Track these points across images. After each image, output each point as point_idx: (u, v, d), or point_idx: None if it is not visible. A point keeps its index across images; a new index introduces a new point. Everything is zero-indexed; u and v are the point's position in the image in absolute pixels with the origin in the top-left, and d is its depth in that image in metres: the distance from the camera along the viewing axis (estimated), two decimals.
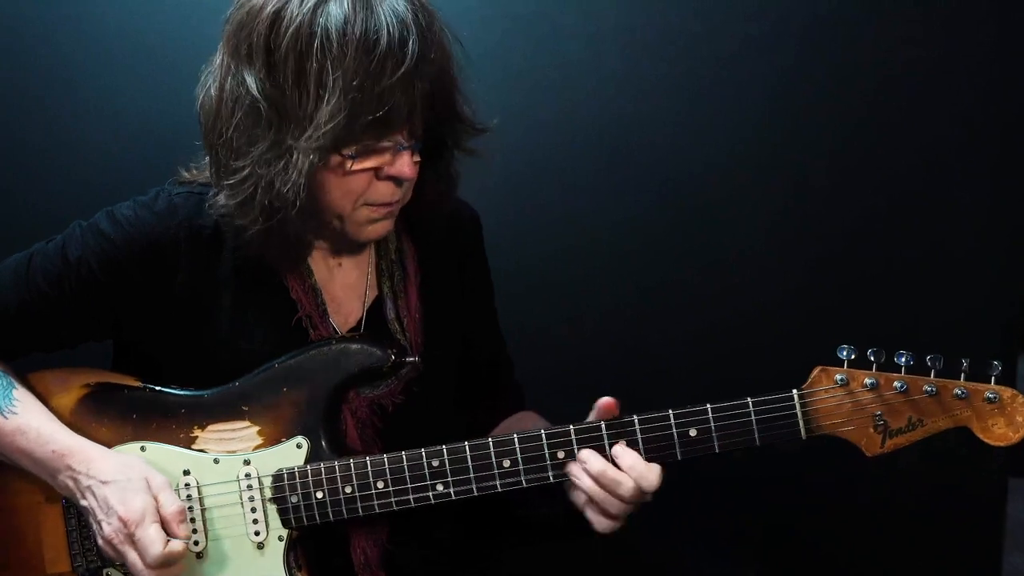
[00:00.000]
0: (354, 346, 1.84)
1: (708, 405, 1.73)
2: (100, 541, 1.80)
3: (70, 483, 1.82)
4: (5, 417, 1.83)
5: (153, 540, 1.74)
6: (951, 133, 2.59)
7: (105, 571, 1.86)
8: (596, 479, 1.74)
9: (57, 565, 1.87)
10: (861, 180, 2.60)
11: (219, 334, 1.87)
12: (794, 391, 1.71)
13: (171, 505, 1.77)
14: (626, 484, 1.73)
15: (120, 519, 1.75)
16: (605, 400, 1.77)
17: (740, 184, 2.62)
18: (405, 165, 1.75)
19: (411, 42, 1.66)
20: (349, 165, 1.73)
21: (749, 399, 1.72)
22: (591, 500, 1.75)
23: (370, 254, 1.98)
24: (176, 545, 1.76)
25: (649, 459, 1.74)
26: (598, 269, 2.67)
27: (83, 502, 1.81)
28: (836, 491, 2.53)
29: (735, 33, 2.57)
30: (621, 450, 1.74)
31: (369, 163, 1.74)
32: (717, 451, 1.73)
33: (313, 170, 1.69)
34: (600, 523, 1.76)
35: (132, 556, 1.76)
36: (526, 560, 1.98)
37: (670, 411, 1.74)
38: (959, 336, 2.57)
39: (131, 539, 1.75)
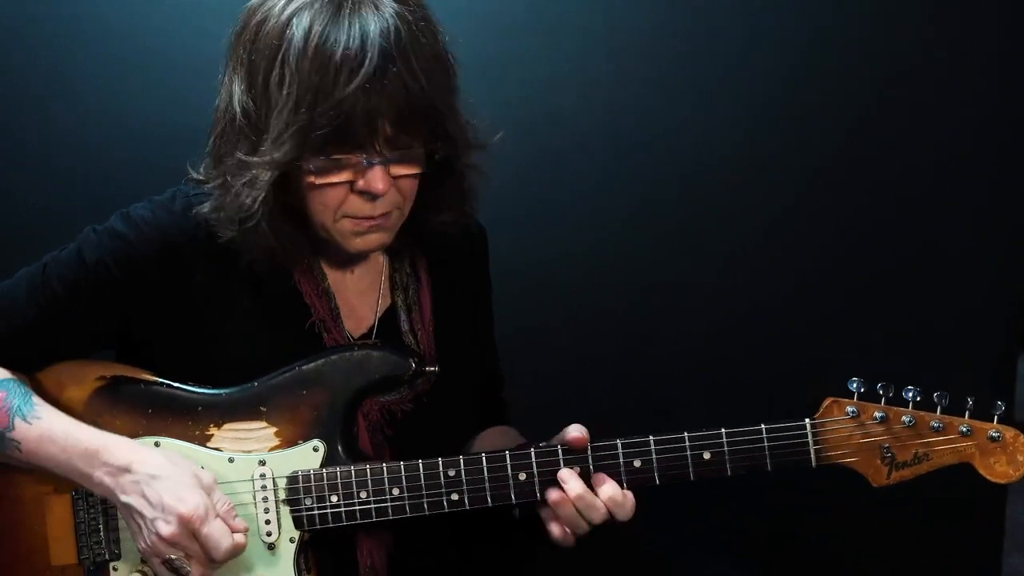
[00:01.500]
0: (376, 353, 2.01)
1: (723, 429, 1.91)
2: (153, 539, 1.87)
3: (107, 480, 1.91)
4: (29, 423, 1.94)
5: (222, 535, 1.84)
6: (951, 133, 2.75)
7: (112, 564, 2.01)
8: (574, 501, 1.89)
9: (63, 557, 2.01)
10: (861, 181, 2.78)
11: (232, 336, 2.02)
12: (807, 420, 1.91)
13: (224, 503, 1.91)
14: (600, 511, 1.89)
15: (181, 517, 1.85)
16: (575, 435, 1.93)
17: (736, 186, 2.80)
18: (376, 180, 1.84)
19: (372, 54, 1.75)
20: (312, 179, 1.85)
21: (763, 426, 1.90)
22: (559, 517, 1.93)
23: (383, 263, 2.13)
24: (240, 538, 1.87)
25: (663, 478, 1.92)
26: (597, 273, 2.84)
27: (125, 498, 1.90)
28: (835, 491, 2.72)
29: (736, 35, 2.74)
30: (601, 478, 1.91)
31: (335, 177, 1.85)
32: (729, 474, 1.92)
33: (271, 182, 1.82)
34: (558, 534, 1.94)
35: (199, 552, 1.87)
36: (532, 566, 2.18)
37: (685, 434, 1.92)
38: (959, 336, 2.78)
39: (197, 536, 1.86)
